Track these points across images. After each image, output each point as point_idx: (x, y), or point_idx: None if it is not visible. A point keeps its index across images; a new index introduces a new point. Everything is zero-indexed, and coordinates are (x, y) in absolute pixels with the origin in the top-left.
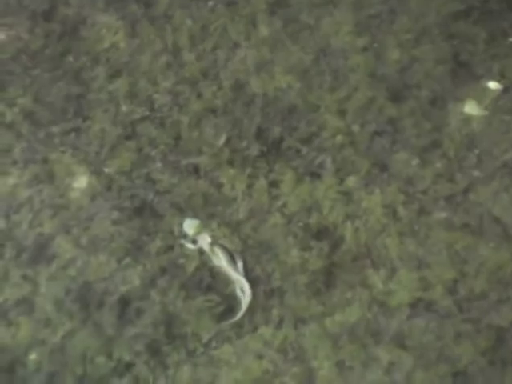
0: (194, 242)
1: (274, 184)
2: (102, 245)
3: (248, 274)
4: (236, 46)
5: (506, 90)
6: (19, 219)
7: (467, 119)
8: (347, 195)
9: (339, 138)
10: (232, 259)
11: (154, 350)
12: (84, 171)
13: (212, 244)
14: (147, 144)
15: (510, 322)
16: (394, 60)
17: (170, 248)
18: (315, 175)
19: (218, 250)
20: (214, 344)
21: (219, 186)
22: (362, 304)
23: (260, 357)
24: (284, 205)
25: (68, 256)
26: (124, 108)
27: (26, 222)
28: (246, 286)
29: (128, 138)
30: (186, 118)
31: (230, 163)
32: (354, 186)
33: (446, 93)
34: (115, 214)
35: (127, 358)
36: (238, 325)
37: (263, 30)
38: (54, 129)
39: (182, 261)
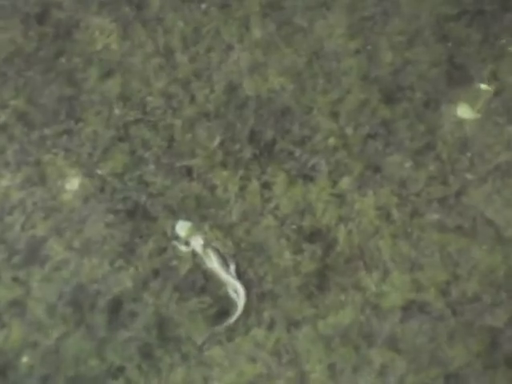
0: (187, 243)
1: (266, 186)
2: (95, 247)
3: (241, 276)
4: (229, 48)
5: (497, 92)
6: (11, 221)
7: (460, 122)
8: (340, 197)
9: (332, 140)
10: (225, 262)
11: (146, 354)
12: (76, 173)
13: (205, 246)
14: (140, 146)
15: (504, 325)
16: (387, 62)
17: (163, 250)
18: (308, 177)
19: (210, 253)
20: (207, 346)
21: (212, 188)
22: (355, 306)
23: (253, 359)
24: (277, 207)
25: (60, 258)
26: (117, 110)
27: (18, 224)
28: (240, 289)
29: (121, 140)
30: (179, 121)
31: (223, 165)
32: (347, 188)
33: (439, 95)
34: (108, 217)
35: (119, 361)
36: (231, 327)
37: (256, 33)
38: (47, 131)
39: (174, 263)
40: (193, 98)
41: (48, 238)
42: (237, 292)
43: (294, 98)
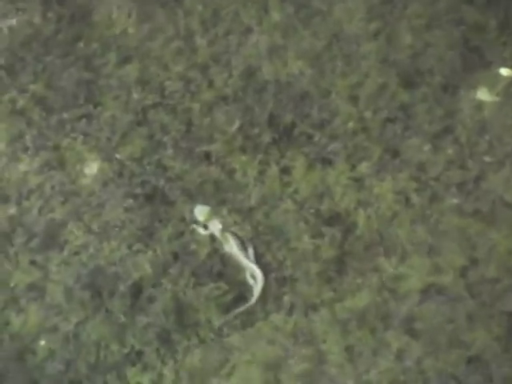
0: (205, 227)
1: (285, 170)
2: (114, 231)
3: (259, 260)
4: (248, 31)
5: None
6: (30, 205)
7: (479, 105)
8: (359, 182)
9: (351, 124)
10: (243, 246)
11: (164, 339)
12: (95, 158)
13: (223, 230)
14: (159, 130)
15: None
16: (406, 46)
17: (182, 234)
18: (327, 161)
19: (229, 237)
20: (225, 331)
21: (231, 172)
22: (373, 290)
23: (271, 343)
24: (295, 191)
25: (79, 242)
26: (135, 95)
27: (36, 208)
28: (258, 273)
29: (139, 124)
30: (198, 105)
31: (242, 150)
32: (365, 172)
33: (458, 79)
34: (126, 201)
35: (138, 346)
36: (249, 312)
37: (275, 16)
38: (66, 115)
39: (193, 247)
40: (211, 82)
41: (67, 222)
42: (254, 277)
43: (313, 82)
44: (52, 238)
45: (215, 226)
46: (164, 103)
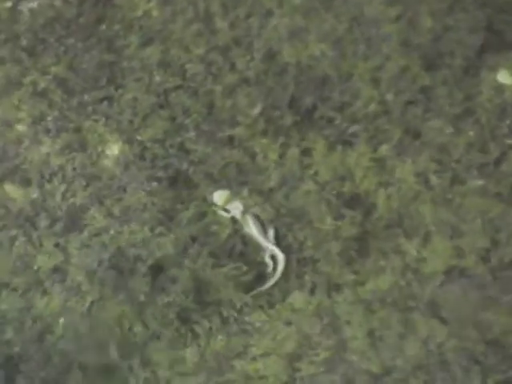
0: (226, 210)
1: (306, 153)
2: (135, 214)
3: (280, 242)
4: (269, 13)
5: None
6: (52, 189)
7: (500, 88)
8: (380, 163)
9: (372, 106)
10: (263, 227)
11: (185, 319)
12: (117, 140)
13: (244, 212)
14: (180, 113)
15: None
16: (427, 28)
17: (203, 216)
18: (347, 144)
19: (249, 219)
20: (246, 312)
21: (253, 155)
22: (395, 271)
23: (293, 325)
24: (316, 173)
25: (100, 225)
26: (157, 77)
27: (58, 191)
28: (279, 254)
29: (161, 106)
30: (219, 88)
31: (264, 133)
32: (386, 154)
33: (478, 61)
34: (148, 184)
35: (159, 326)
36: (271, 293)
37: None
38: (87, 97)
39: (214, 228)
40: (233, 65)
41: (88, 206)
42: (274, 258)
43: (334, 65)
44: (74, 222)
45: (236, 208)
46: (185, 86)
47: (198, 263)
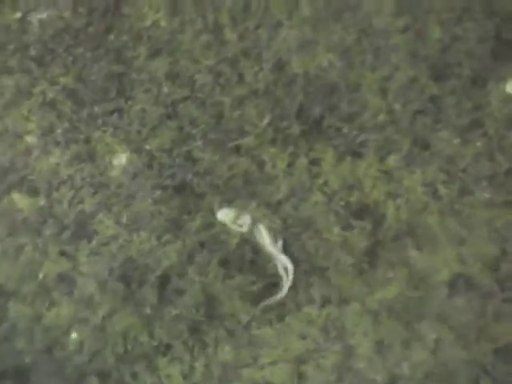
0: (237, 226)
1: (314, 163)
2: (143, 223)
3: (288, 252)
4: (278, 25)
5: None
6: (60, 197)
7: (508, 99)
8: (388, 174)
9: (381, 117)
10: (273, 238)
11: (194, 331)
12: (125, 150)
13: (253, 224)
14: (188, 124)
15: None
16: (436, 39)
17: (211, 225)
18: (356, 154)
19: (262, 228)
20: (255, 325)
21: (260, 164)
22: (403, 282)
23: (302, 337)
24: (325, 183)
25: (109, 233)
26: (165, 88)
27: (66, 199)
28: (289, 265)
29: (169, 117)
30: (228, 99)
31: (272, 142)
32: (395, 164)
33: (487, 72)
34: (156, 193)
35: (167, 338)
36: (280, 304)
37: (305, 9)
38: (96, 109)
39: (223, 237)
40: (241, 76)
41: (96, 214)
42: (285, 268)
43: (342, 75)
44: (82, 230)
45: (245, 221)
46: (194, 97)
47: (208, 275)
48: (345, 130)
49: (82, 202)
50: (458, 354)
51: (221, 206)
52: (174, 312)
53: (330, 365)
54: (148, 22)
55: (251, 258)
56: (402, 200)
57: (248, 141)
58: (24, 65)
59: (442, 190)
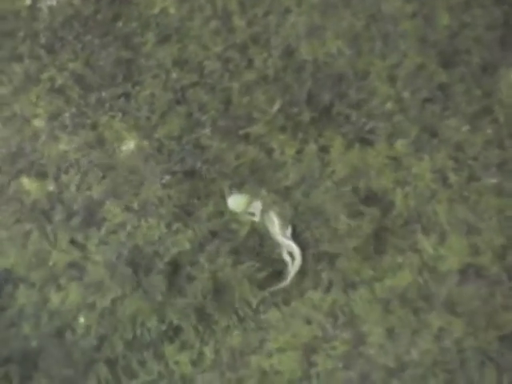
0: (248, 214)
1: (323, 150)
2: (152, 209)
3: (298, 238)
4: (287, 11)
5: None
6: (68, 182)
7: None
8: (397, 161)
9: (389, 104)
10: (283, 225)
11: (202, 316)
12: (133, 136)
13: (263, 211)
14: (197, 110)
15: None
16: (444, 25)
17: (221, 212)
18: (365, 141)
19: (272, 215)
20: (263, 309)
21: (269, 151)
22: (412, 269)
23: (309, 322)
24: (334, 171)
25: (118, 221)
26: (174, 74)
27: (74, 185)
28: (296, 251)
29: (178, 103)
30: (237, 85)
31: (281, 129)
32: (403, 152)
33: (496, 59)
34: (165, 178)
35: (176, 322)
36: (287, 290)
37: None
38: (104, 94)
39: (233, 225)
40: (250, 62)
41: (105, 200)
42: (292, 254)
43: (351, 62)
44: (90, 216)
45: (257, 208)
46: (202, 82)
47: (217, 262)
48: (353, 118)
49: (90, 188)
50: (465, 341)
51: (231, 192)
52: (184, 298)
53: (340, 351)
54: (156, 9)
55: (260, 246)
56: (411, 187)
57: (257, 128)
58: (34, 52)
59: (452, 177)
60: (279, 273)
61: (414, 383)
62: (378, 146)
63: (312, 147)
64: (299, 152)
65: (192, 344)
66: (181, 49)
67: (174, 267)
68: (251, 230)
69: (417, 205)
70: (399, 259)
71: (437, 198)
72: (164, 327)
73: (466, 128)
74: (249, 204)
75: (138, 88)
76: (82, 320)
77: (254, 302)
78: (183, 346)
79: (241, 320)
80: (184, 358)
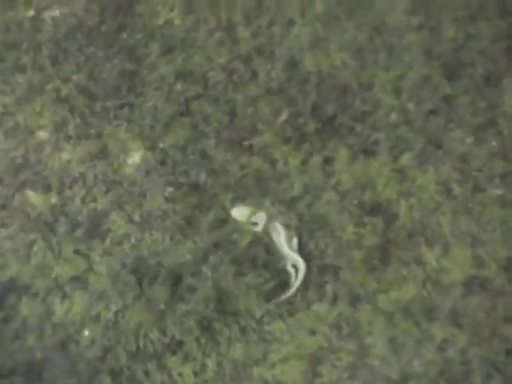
0: (252, 224)
1: (328, 161)
2: (156, 221)
3: (303, 250)
4: (291, 23)
5: None
6: (72, 195)
7: None
8: (401, 173)
9: (394, 116)
10: (288, 236)
11: (205, 328)
12: (138, 147)
13: (268, 221)
14: (201, 121)
15: None
16: (450, 38)
17: (224, 223)
18: (369, 153)
19: (278, 226)
20: (267, 321)
21: (273, 162)
22: (417, 281)
23: (313, 333)
24: (338, 182)
25: (122, 232)
26: (178, 85)
27: (79, 197)
28: (301, 262)
29: (182, 115)
30: (241, 96)
31: (285, 140)
32: (408, 163)
33: (500, 71)
34: (168, 190)
35: (179, 335)
36: (292, 301)
37: (318, 7)
38: (109, 104)
39: (235, 236)
40: (254, 74)
41: (109, 212)
42: (296, 266)
43: (355, 74)
44: (95, 228)
45: (261, 219)
46: (207, 94)
47: (220, 271)
48: (358, 129)
49: (94, 200)
50: (470, 352)
51: (234, 204)
52: (186, 308)
53: (345, 362)
54: (161, 20)
55: (263, 257)
56: (415, 199)
57: (261, 139)
58: (37, 63)
59: (456, 188)
60: (283, 284)
61: None
62: (383, 157)
63: (316, 158)
64: (303, 163)
65: (195, 356)
66: (185, 60)
67: (177, 278)
68: (253, 240)
69: (421, 217)
70: (403, 271)
71: (441, 210)
72: (167, 340)
73: (470, 140)
74: (253, 215)
75: (141, 99)
76: (86, 333)
77: (258, 314)
78: (186, 358)
79: (243, 331)
80: (187, 369)
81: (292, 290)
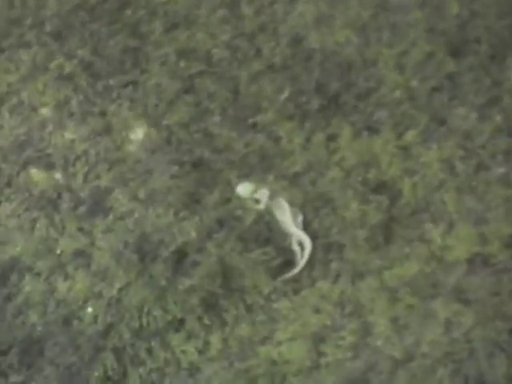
0: (255, 201)
1: (331, 138)
2: (160, 198)
3: (307, 227)
4: (294, 0)
5: None
6: (76, 172)
7: None
8: (405, 150)
9: (398, 93)
10: (292, 213)
11: (209, 305)
12: (142, 124)
13: (271, 197)
14: (205, 98)
15: None
16: (454, 14)
17: (228, 200)
18: (373, 130)
19: (283, 202)
20: (273, 298)
21: (277, 139)
22: (420, 259)
23: (318, 311)
24: (342, 159)
25: (125, 209)
26: (182, 62)
27: (82, 174)
28: (307, 240)
29: (186, 91)
30: (245, 73)
31: (289, 118)
32: (412, 140)
33: (506, 48)
34: (173, 168)
35: (181, 312)
36: (296, 279)
37: None
38: (112, 81)
39: (239, 213)
40: (258, 51)
41: (112, 189)
42: (302, 244)
43: (359, 51)
44: (98, 205)
45: (264, 195)
46: (211, 71)
47: (225, 248)
48: (361, 106)
49: (98, 177)
50: (475, 331)
51: (239, 181)
52: (190, 283)
53: (348, 341)
54: None
55: (267, 234)
56: (419, 176)
57: (265, 116)
58: (41, 39)
59: (459, 166)
60: (289, 262)
61: (422, 374)
62: (386, 134)
63: (320, 136)
64: (307, 140)
65: (197, 334)
66: (189, 37)
67: (181, 254)
68: (257, 217)
69: (425, 194)
70: (407, 249)
71: (445, 187)
72: (169, 317)
73: (474, 116)
74: (256, 191)
75: (145, 76)
76: (89, 310)
77: (266, 291)
78: (189, 336)
79: (250, 309)
80: (190, 347)
81: (298, 268)
